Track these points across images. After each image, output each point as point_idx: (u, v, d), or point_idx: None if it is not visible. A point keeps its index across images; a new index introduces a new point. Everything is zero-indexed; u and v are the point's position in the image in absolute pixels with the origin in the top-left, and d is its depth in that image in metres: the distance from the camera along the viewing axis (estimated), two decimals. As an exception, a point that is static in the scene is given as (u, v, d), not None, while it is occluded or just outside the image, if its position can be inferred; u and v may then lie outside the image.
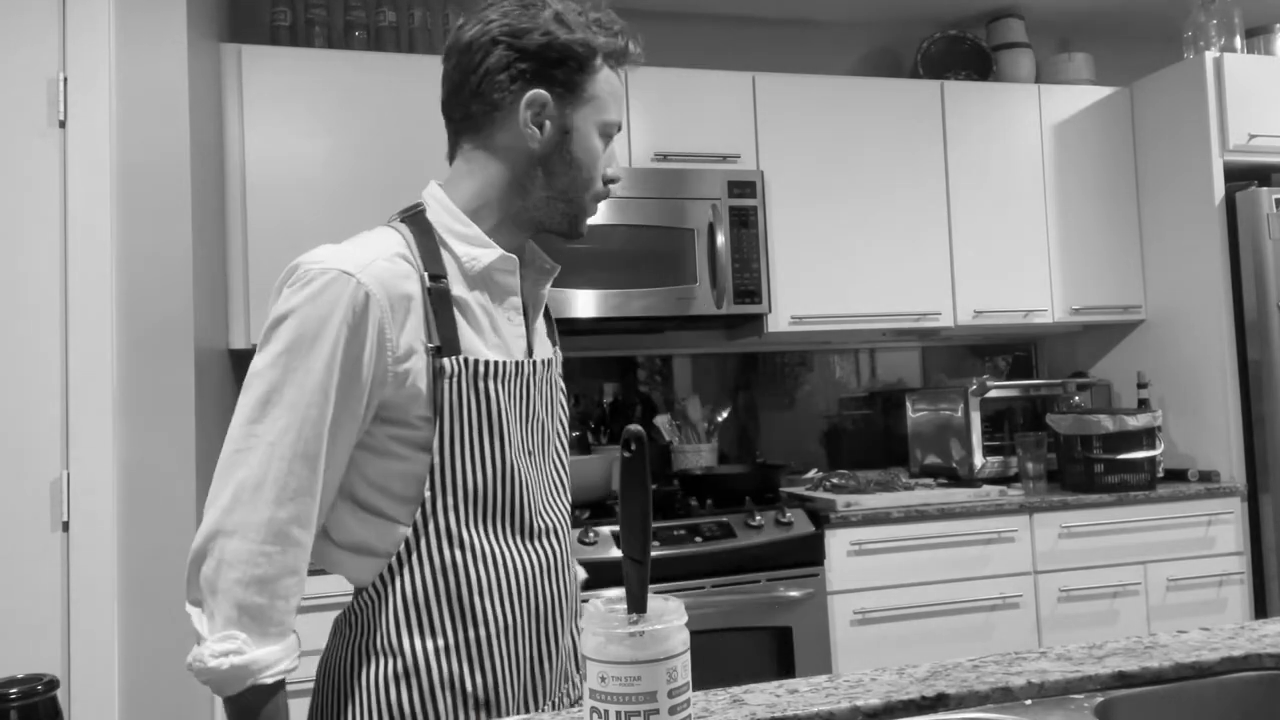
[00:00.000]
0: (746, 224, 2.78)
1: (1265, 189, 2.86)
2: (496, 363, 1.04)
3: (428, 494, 1.01)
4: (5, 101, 1.99)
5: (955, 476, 3.01)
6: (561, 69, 1.05)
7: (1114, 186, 3.21)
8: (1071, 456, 2.87)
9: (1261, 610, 2.85)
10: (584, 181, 1.09)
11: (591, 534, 2.35)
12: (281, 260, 2.47)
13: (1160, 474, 2.90)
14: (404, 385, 1.00)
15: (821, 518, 2.55)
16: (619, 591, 0.75)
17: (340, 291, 0.97)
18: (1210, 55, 2.95)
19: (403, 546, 1.01)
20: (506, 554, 1.05)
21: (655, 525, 2.35)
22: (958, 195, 3.06)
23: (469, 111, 1.07)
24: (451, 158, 1.12)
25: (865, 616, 2.53)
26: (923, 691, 0.89)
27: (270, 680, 0.94)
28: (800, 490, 2.92)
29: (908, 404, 3.22)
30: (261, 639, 0.94)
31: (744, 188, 2.79)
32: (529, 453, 1.09)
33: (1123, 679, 0.94)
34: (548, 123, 1.06)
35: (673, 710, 0.70)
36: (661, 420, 3.04)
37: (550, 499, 1.13)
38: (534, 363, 1.10)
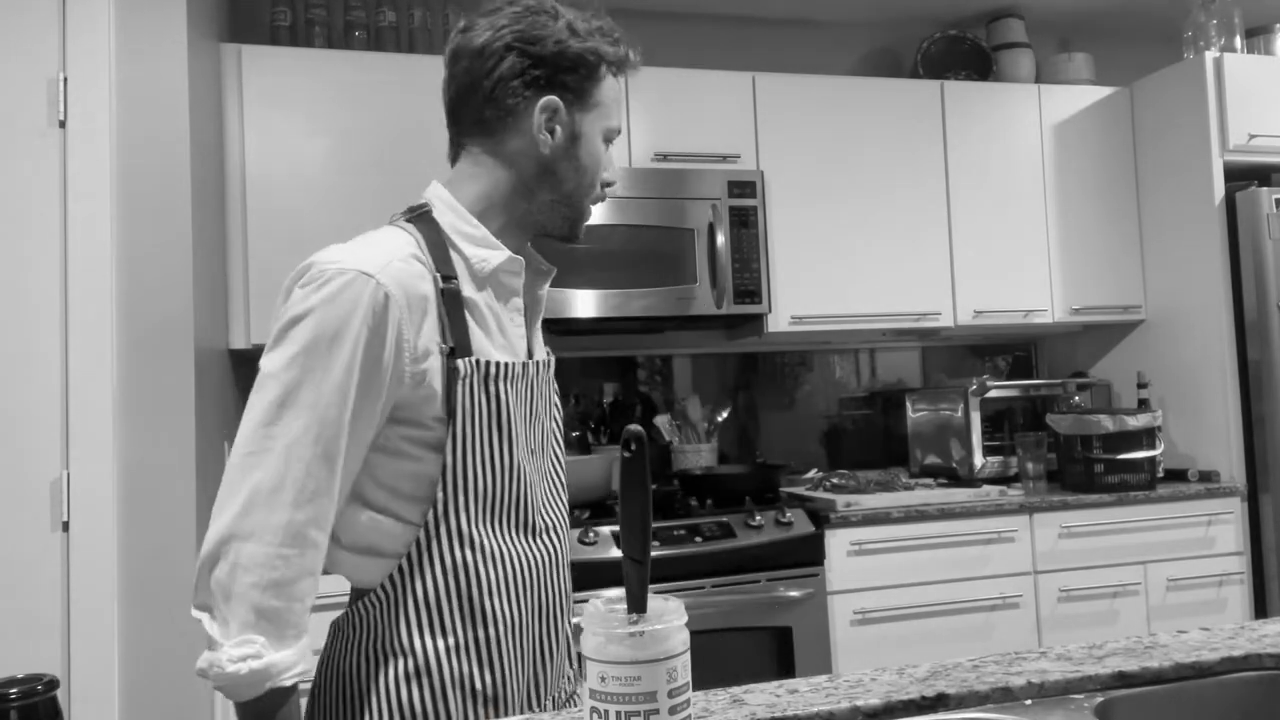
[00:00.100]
0: (746, 224, 2.78)
1: (1265, 189, 2.86)
2: (506, 364, 1.05)
3: (440, 494, 1.01)
4: (5, 101, 1.99)
5: (955, 476, 3.01)
6: (573, 76, 1.07)
7: (1114, 186, 3.21)
8: (1071, 456, 2.87)
9: (1261, 610, 2.85)
10: (587, 186, 1.12)
11: (591, 534, 2.35)
12: (281, 260, 2.48)
13: (1160, 474, 2.90)
14: (420, 386, 1.01)
15: (821, 518, 2.55)
16: (619, 591, 0.75)
17: (360, 292, 0.97)
18: (1210, 55, 2.95)
19: (414, 547, 1.01)
20: (512, 552, 1.06)
21: (655, 525, 2.35)
22: (958, 195, 3.06)
23: (481, 116, 1.08)
24: (454, 159, 1.13)
25: (865, 616, 2.53)
26: (923, 691, 0.89)
27: (289, 683, 0.94)
28: (800, 490, 2.92)
29: (908, 404, 3.22)
30: (279, 642, 0.93)
31: (744, 188, 2.79)
32: (532, 452, 1.11)
33: (1123, 679, 0.94)
34: (558, 128, 1.08)
35: (673, 710, 0.70)
36: (661, 420, 3.04)
37: (550, 497, 1.15)
38: (535, 363, 1.12)
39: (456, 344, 1.02)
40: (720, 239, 2.73)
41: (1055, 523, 2.71)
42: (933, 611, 2.59)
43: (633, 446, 0.75)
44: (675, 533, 2.43)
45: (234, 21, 2.83)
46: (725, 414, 3.10)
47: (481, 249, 1.07)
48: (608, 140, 1.13)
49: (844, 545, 2.54)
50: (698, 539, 2.43)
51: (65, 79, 2.02)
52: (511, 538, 1.07)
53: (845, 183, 2.97)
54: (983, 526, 2.65)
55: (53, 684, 0.73)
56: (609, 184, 1.15)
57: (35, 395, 1.97)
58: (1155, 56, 3.49)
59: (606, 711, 0.70)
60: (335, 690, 1.04)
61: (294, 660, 0.94)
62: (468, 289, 1.05)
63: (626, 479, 0.75)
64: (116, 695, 1.97)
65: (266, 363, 0.98)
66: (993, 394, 3.06)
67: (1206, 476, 2.94)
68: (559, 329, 2.80)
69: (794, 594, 2.44)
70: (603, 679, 0.71)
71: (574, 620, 1.11)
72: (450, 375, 1.01)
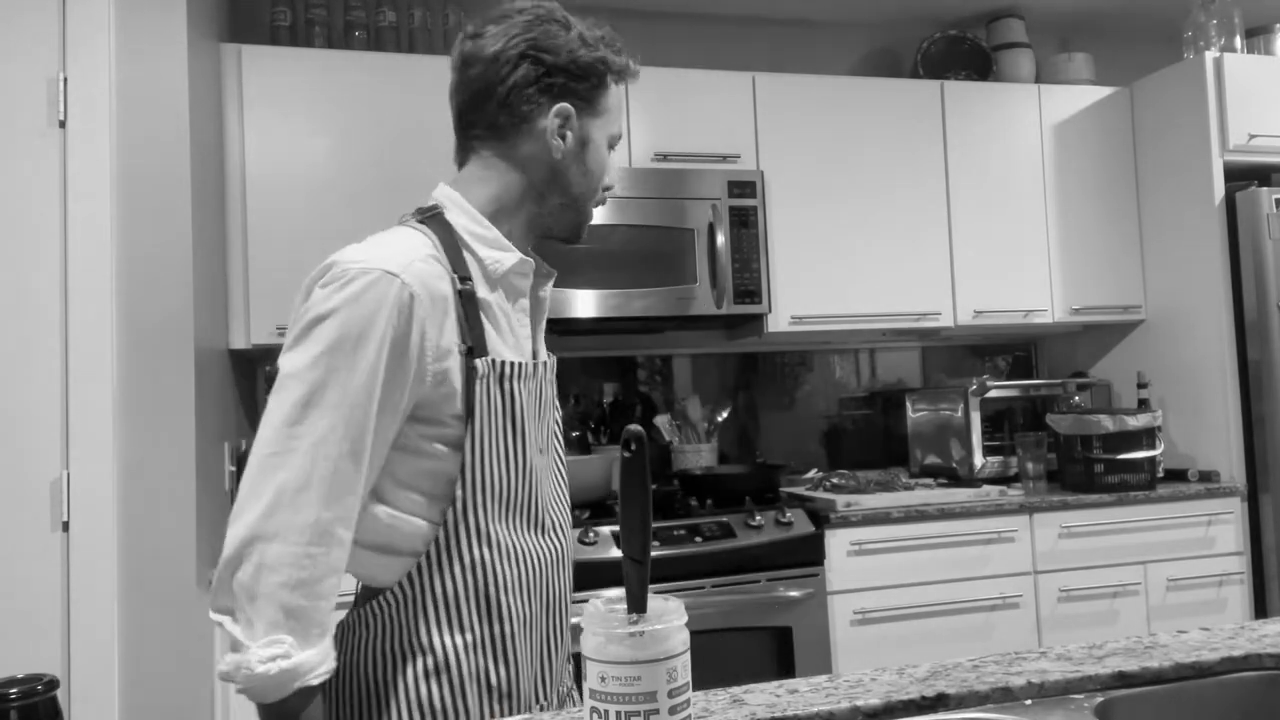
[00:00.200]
0: (746, 224, 2.78)
1: (1265, 189, 2.86)
2: (519, 364, 1.08)
3: (459, 492, 1.03)
4: (5, 101, 1.99)
5: (955, 476, 3.01)
6: (584, 84, 1.11)
7: (1114, 186, 3.21)
8: (1071, 456, 2.87)
9: (1261, 610, 2.85)
10: (592, 190, 1.16)
11: (591, 534, 2.35)
12: (281, 260, 2.48)
13: (1160, 474, 2.90)
14: (441, 384, 1.02)
15: (821, 518, 2.55)
16: (619, 591, 0.75)
17: (385, 291, 0.98)
18: (1210, 55, 2.95)
19: (434, 545, 1.03)
20: (525, 549, 1.08)
21: (655, 525, 2.35)
22: (958, 195, 3.06)
23: (495, 120, 1.10)
24: (463, 162, 1.15)
25: (865, 616, 2.53)
26: (923, 691, 0.89)
27: (316, 682, 0.95)
28: (800, 490, 2.92)
29: (908, 404, 3.22)
30: (305, 641, 0.93)
31: (744, 188, 2.79)
32: (540, 451, 1.13)
33: (1123, 679, 0.94)
34: (569, 134, 1.11)
35: (673, 710, 0.71)
36: (661, 420, 3.04)
37: (556, 495, 1.18)
38: (542, 364, 1.15)
39: (474, 344, 1.04)
40: (720, 239, 2.73)
41: (1055, 523, 2.71)
42: (933, 611, 2.59)
43: (633, 446, 0.75)
44: (675, 533, 2.43)
45: (234, 21, 2.83)
46: (725, 414, 3.10)
47: (494, 250, 1.10)
48: (611, 146, 1.17)
49: (844, 545, 2.54)
50: (698, 539, 2.43)
51: (65, 79, 2.02)
52: (524, 535, 1.09)
53: (845, 183, 2.97)
54: (983, 526, 2.65)
55: (53, 684, 0.73)
56: (609, 188, 1.18)
57: (35, 395, 1.97)
58: (1155, 56, 3.49)
59: (606, 711, 0.70)
60: (354, 691, 1.04)
61: (320, 659, 0.95)
62: (481, 290, 1.07)
63: (626, 479, 0.75)
64: (116, 695, 1.97)
65: (288, 362, 0.98)
66: (993, 394, 3.06)
67: (1206, 476, 2.94)
68: (559, 329, 2.80)
69: (794, 594, 2.44)
70: (603, 679, 0.71)
71: (574, 620, 1.13)
72: (469, 374, 1.03)
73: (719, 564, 2.42)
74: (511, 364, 1.07)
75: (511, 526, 1.07)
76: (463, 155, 1.15)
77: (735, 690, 0.94)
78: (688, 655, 0.73)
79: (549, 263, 1.21)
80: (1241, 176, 2.95)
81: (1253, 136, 2.93)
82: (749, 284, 2.77)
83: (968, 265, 3.04)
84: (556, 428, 1.22)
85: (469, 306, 1.05)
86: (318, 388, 0.96)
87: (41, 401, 1.97)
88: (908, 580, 2.58)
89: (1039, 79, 3.33)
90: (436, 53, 2.80)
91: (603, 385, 3.13)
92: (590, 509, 2.52)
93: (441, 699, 1.02)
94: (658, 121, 2.81)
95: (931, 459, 3.13)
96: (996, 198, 3.09)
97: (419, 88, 2.60)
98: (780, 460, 3.19)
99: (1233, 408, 2.88)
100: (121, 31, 2.07)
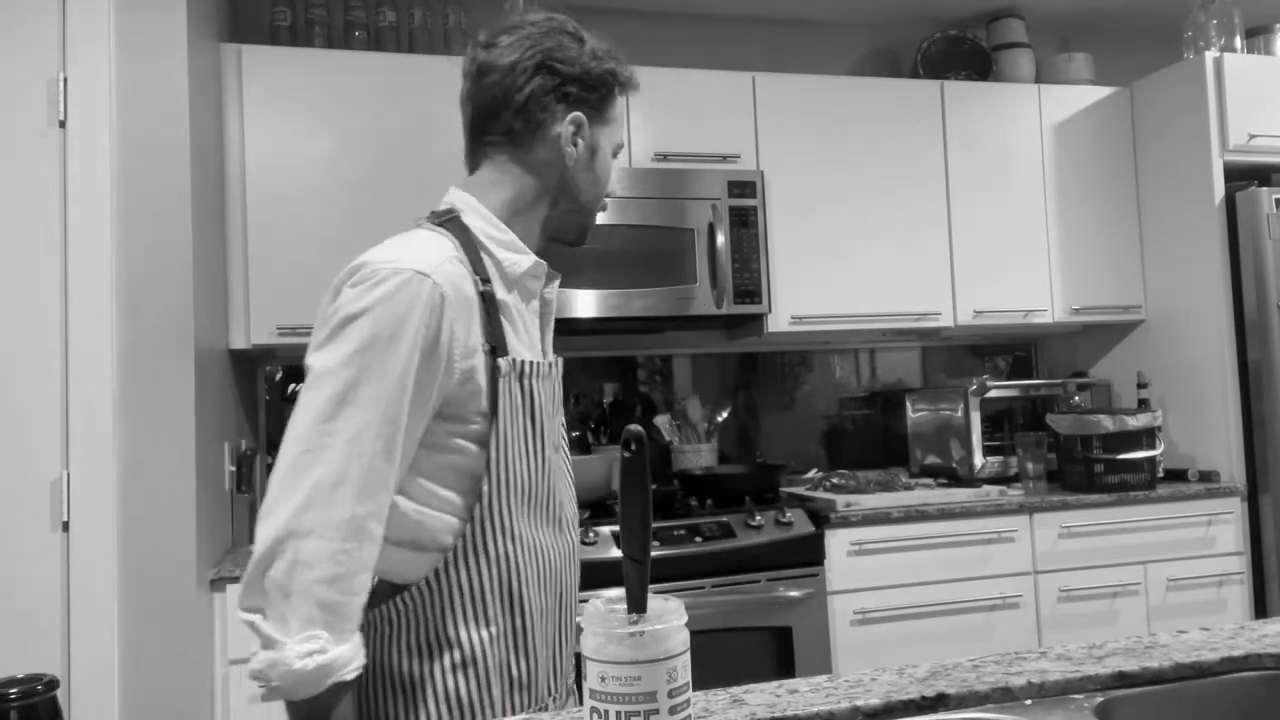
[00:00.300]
0: (746, 224, 2.78)
1: (1265, 189, 2.86)
2: (536, 363, 1.13)
3: (486, 488, 1.06)
4: (5, 101, 1.99)
5: (955, 476, 3.01)
6: (595, 95, 1.17)
7: (1114, 186, 3.21)
8: (1071, 456, 2.87)
9: (1261, 610, 2.85)
10: (599, 196, 1.22)
11: (591, 534, 2.35)
12: (281, 260, 2.48)
13: (1160, 474, 2.90)
14: (467, 382, 1.05)
15: (821, 518, 2.55)
16: (619, 591, 0.75)
17: (417, 291, 1.01)
18: (1210, 55, 2.95)
19: (461, 539, 1.05)
20: (543, 544, 1.12)
21: (655, 525, 2.35)
22: (958, 195, 3.06)
23: (511, 127, 1.14)
24: (475, 167, 1.19)
25: (865, 616, 2.53)
26: (923, 691, 0.89)
27: (350, 677, 0.96)
28: (800, 490, 2.92)
29: (908, 404, 3.22)
30: (340, 636, 0.95)
31: (744, 188, 2.79)
32: (555, 448, 1.18)
33: (1123, 679, 0.94)
34: (580, 142, 1.16)
35: (673, 710, 0.71)
36: (661, 420, 3.04)
37: (567, 491, 1.22)
38: (552, 364, 1.20)
39: (495, 343, 1.08)
40: (720, 239, 2.73)
41: (1055, 523, 2.71)
42: (933, 611, 2.59)
43: (633, 446, 0.75)
44: (675, 533, 2.43)
45: (234, 21, 2.83)
46: (725, 414, 3.10)
47: (511, 253, 1.14)
48: (614, 154, 1.22)
49: (844, 545, 2.54)
50: (698, 539, 2.43)
51: (65, 79, 2.02)
52: (542, 530, 1.12)
53: (845, 182, 2.97)
54: (983, 526, 2.65)
55: (53, 684, 0.73)
56: (610, 194, 1.25)
57: (35, 395, 1.97)
58: (1155, 56, 3.49)
59: (606, 711, 0.70)
60: (383, 686, 1.06)
61: (353, 654, 0.96)
62: (500, 291, 1.11)
63: (626, 479, 0.75)
64: (116, 695, 1.96)
65: (320, 360, 1.00)
66: (993, 394, 3.06)
67: (1206, 476, 2.94)
68: (560, 329, 2.79)
69: (794, 594, 2.44)
70: (603, 679, 0.71)
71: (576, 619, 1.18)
72: (493, 373, 1.07)
73: (719, 564, 2.42)
74: (531, 363, 1.11)
75: (532, 522, 1.11)
76: (475, 160, 1.19)
77: (735, 690, 0.94)
78: (688, 655, 0.73)
79: (552, 265, 1.24)
80: (1241, 176, 2.95)
81: (1253, 136, 2.93)
82: (749, 284, 2.77)
83: (968, 265, 3.04)
84: (563, 426, 1.26)
85: (490, 307, 1.08)
86: (352, 385, 0.98)
87: (41, 401, 1.97)
88: (908, 580, 2.58)
89: (1039, 79, 3.33)
90: (436, 53, 2.80)
91: (603, 385, 3.13)
92: (590, 509, 2.52)
93: (469, 691, 1.05)
94: (658, 121, 2.81)
95: (931, 459, 3.13)
96: (996, 198, 3.09)
97: (419, 88, 2.60)
98: (780, 460, 3.19)
99: (1233, 408, 2.88)
100: (121, 31, 2.07)
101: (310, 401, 0.98)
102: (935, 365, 3.51)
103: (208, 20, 2.39)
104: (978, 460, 2.98)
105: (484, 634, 1.06)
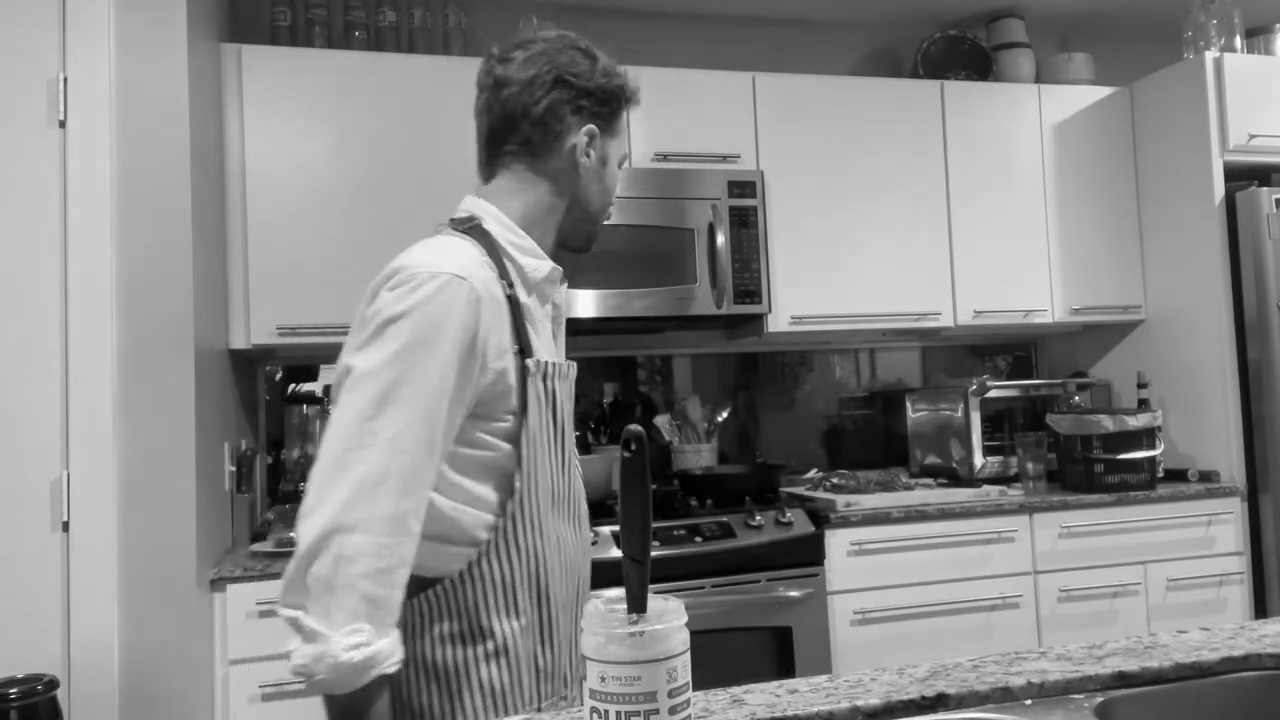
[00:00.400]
0: (746, 224, 2.78)
1: (1265, 189, 2.86)
2: (558, 364, 1.19)
3: (518, 484, 1.11)
4: (5, 101, 1.99)
5: (955, 476, 3.01)
6: (606, 108, 1.23)
7: (1114, 187, 3.21)
8: (1071, 456, 2.87)
9: (1261, 610, 2.85)
10: (606, 205, 1.28)
11: (591, 534, 2.34)
12: (281, 260, 2.48)
13: (1160, 474, 2.90)
14: (499, 382, 1.10)
15: (821, 518, 2.55)
16: (619, 591, 0.75)
17: (456, 293, 1.06)
18: (1210, 55, 2.95)
19: (495, 533, 1.10)
20: (565, 538, 1.18)
21: (655, 525, 2.35)
22: (958, 195, 3.06)
23: (528, 138, 1.20)
24: (491, 175, 1.23)
25: (865, 616, 2.53)
26: (923, 691, 0.90)
27: (392, 669, 0.99)
28: (800, 490, 2.92)
29: (908, 404, 3.22)
30: (381, 629, 0.98)
31: (744, 188, 2.79)
32: (572, 446, 1.24)
33: (1123, 679, 0.94)
34: (592, 152, 1.23)
35: (673, 710, 0.71)
36: (661, 420, 3.04)
37: (581, 488, 1.28)
38: (569, 365, 1.26)
39: (522, 345, 1.13)
40: (720, 239, 2.73)
41: (1055, 523, 2.71)
42: (933, 611, 2.59)
43: (633, 446, 0.75)
44: (675, 533, 2.43)
45: (234, 21, 2.83)
46: (725, 414, 3.10)
47: (532, 259, 1.19)
48: (620, 165, 1.29)
49: (844, 545, 2.54)
50: (698, 539, 2.43)
51: (65, 79, 2.02)
52: (564, 524, 1.18)
53: (845, 182, 2.97)
54: (983, 526, 2.65)
55: (53, 684, 0.73)
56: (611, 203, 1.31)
57: (35, 395, 1.97)
58: (1155, 56, 3.49)
59: (606, 711, 0.70)
60: (421, 677, 1.09)
61: (394, 647, 0.99)
62: (522, 295, 1.17)
63: (626, 479, 0.75)
64: (116, 695, 1.96)
65: (361, 361, 1.03)
66: (993, 394, 3.06)
67: (1206, 476, 2.94)
68: (559, 329, 2.80)
69: (794, 594, 2.44)
70: (603, 679, 0.71)
71: None
72: (522, 372, 1.12)
73: (719, 564, 2.42)
74: (554, 364, 1.17)
75: (556, 517, 1.17)
76: (491, 169, 1.24)
77: (735, 690, 0.94)
78: (688, 655, 0.73)
79: None
80: (1241, 176, 2.95)
81: (1253, 136, 2.93)
82: (749, 284, 2.77)
83: (968, 265, 3.04)
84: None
85: (515, 310, 1.14)
86: (394, 385, 1.02)
87: (41, 401, 1.97)
88: (908, 580, 2.58)
89: (1039, 79, 3.33)
90: (436, 53, 2.80)
91: (603, 385, 3.13)
92: (590, 509, 2.51)
93: (503, 681, 1.10)
94: (658, 121, 2.81)
95: (931, 459, 3.13)
96: (996, 198, 3.09)
97: (419, 88, 2.60)
98: (780, 460, 3.19)
99: (1233, 408, 2.88)
100: (121, 32, 2.07)
101: (352, 402, 1.02)
102: (935, 365, 3.51)
103: (208, 20, 2.39)
104: (978, 460, 2.98)
105: (515, 625, 1.11)
